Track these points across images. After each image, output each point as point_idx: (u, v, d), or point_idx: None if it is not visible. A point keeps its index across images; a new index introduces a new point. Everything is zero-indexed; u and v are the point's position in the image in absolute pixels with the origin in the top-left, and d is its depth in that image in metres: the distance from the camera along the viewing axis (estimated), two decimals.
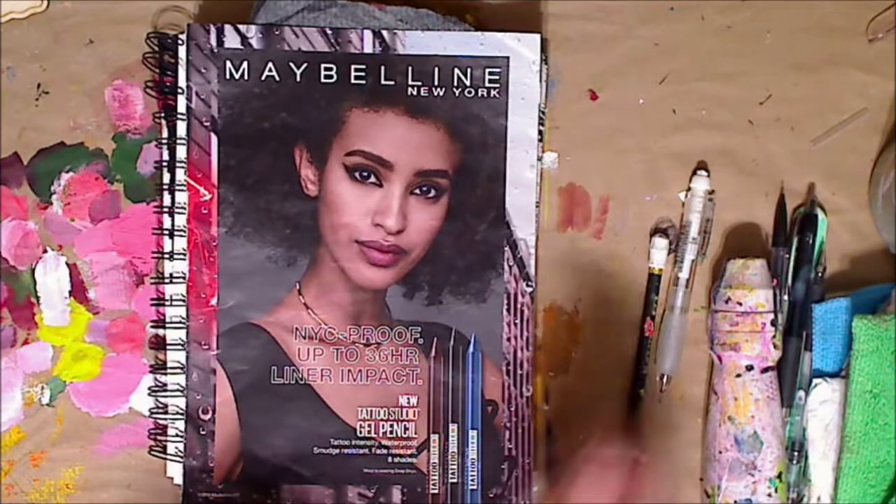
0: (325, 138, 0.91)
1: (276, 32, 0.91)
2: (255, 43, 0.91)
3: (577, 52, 0.95)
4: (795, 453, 0.92)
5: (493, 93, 0.92)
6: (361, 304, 0.92)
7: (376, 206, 0.91)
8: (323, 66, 0.91)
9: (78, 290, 0.94)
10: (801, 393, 0.92)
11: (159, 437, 0.92)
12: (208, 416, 0.91)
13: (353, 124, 0.91)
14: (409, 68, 0.91)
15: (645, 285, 0.93)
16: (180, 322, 0.92)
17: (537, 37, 0.91)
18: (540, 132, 0.92)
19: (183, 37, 0.91)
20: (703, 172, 0.93)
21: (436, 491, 0.92)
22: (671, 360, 0.93)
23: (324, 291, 0.92)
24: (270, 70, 0.91)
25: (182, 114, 0.91)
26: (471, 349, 0.92)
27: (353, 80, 0.91)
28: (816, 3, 0.95)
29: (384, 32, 0.91)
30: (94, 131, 0.94)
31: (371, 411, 0.92)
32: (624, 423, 0.93)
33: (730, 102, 0.94)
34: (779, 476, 0.90)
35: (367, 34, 0.91)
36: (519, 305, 0.92)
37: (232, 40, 0.91)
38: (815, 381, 0.92)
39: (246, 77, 0.91)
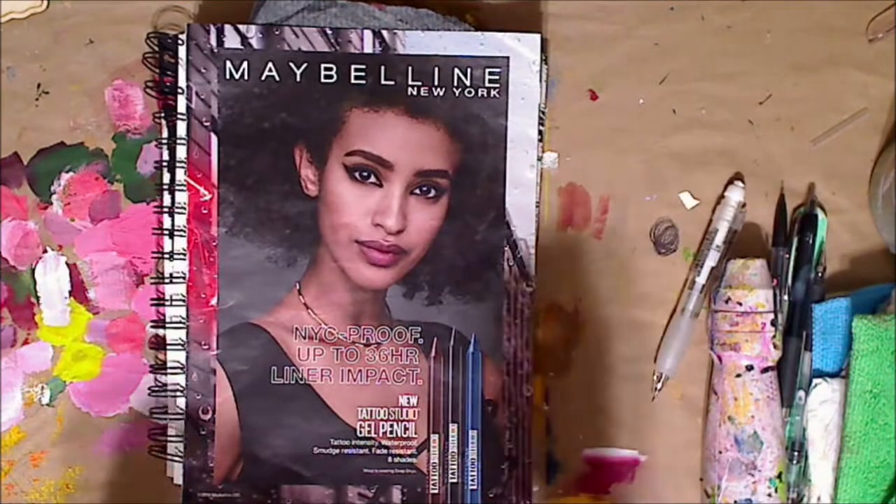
0: (325, 138, 0.91)
1: (276, 32, 0.91)
2: (255, 43, 0.91)
3: (577, 52, 0.95)
4: (795, 453, 0.92)
5: (493, 93, 0.92)
6: (361, 304, 0.92)
7: (376, 206, 0.91)
8: (323, 66, 0.91)
9: (78, 290, 0.94)
10: (801, 393, 0.92)
11: (159, 437, 0.92)
12: (208, 416, 0.91)
13: (353, 124, 0.91)
14: (409, 68, 0.91)
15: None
16: (180, 322, 0.92)
17: (537, 37, 0.91)
18: (540, 132, 0.92)
19: (183, 37, 0.91)
20: (739, 183, 0.93)
21: (436, 491, 0.92)
22: (672, 360, 0.93)
23: (324, 291, 0.92)
24: (270, 70, 0.91)
25: (182, 114, 0.91)
26: (471, 349, 0.92)
27: (353, 80, 0.91)
28: (816, 3, 0.95)
29: (384, 32, 0.91)
30: (94, 131, 0.94)
31: (371, 411, 0.92)
32: None
33: (730, 102, 0.94)
34: (779, 476, 0.90)
35: (367, 34, 0.91)
36: (519, 305, 0.92)
37: (232, 40, 0.91)
38: (815, 381, 0.92)
39: (246, 77, 0.91)
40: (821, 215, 0.93)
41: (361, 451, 0.92)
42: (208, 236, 0.92)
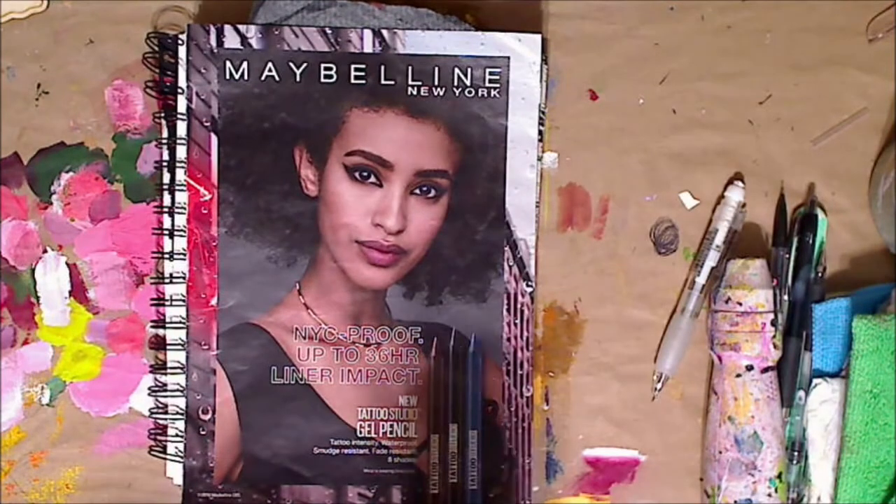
0: (325, 138, 0.91)
1: (276, 32, 0.91)
2: (254, 43, 0.91)
3: (577, 52, 0.95)
4: (795, 453, 0.92)
5: (493, 93, 0.92)
6: (361, 304, 0.92)
7: (376, 206, 0.91)
8: (323, 65, 0.91)
9: (78, 290, 0.94)
10: (801, 393, 0.92)
11: (159, 437, 0.92)
12: (208, 416, 0.91)
13: (353, 124, 0.91)
14: (409, 68, 0.91)
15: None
16: (180, 322, 0.92)
17: (538, 37, 0.91)
18: (540, 132, 0.92)
19: (183, 37, 0.91)
20: (739, 183, 0.93)
21: (436, 491, 0.92)
22: (672, 360, 0.93)
23: (324, 291, 0.92)
24: (270, 70, 0.91)
25: (182, 114, 0.91)
26: (471, 349, 0.92)
27: (352, 80, 0.91)
28: (816, 3, 0.95)
29: (384, 32, 0.91)
30: (94, 131, 0.94)
31: (371, 411, 0.92)
32: None
33: (730, 102, 0.94)
34: (779, 476, 0.90)
35: (367, 34, 0.91)
36: (519, 305, 0.92)
37: (232, 40, 0.91)
38: (815, 381, 0.92)
39: (246, 77, 0.91)
40: (821, 215, 0.93)
41: (361, 451, 0.92)
42: (208, 236, 0.92)
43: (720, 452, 0.90)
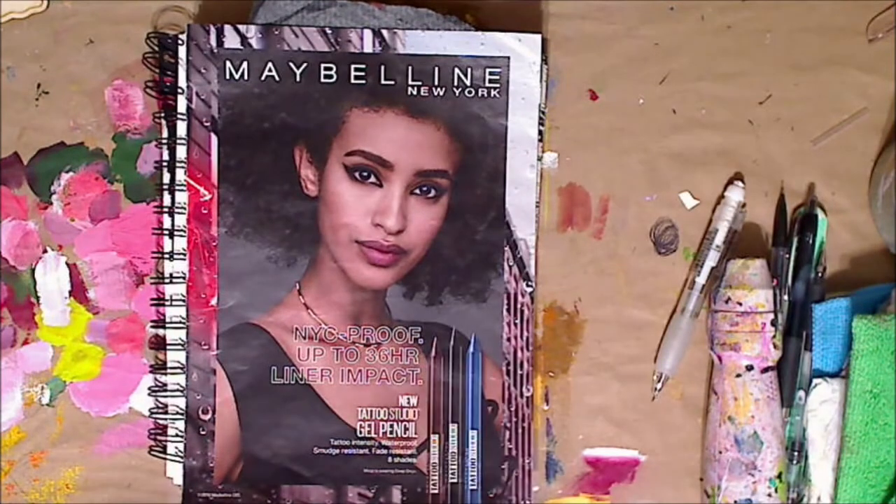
0: (325, 138, 0.91)
1: (276, 32, 0.91)
2: (254, 43, 0.91)
3: (577, 52, 0.95)
4: (795, 453, 0.92)
5: (493, 93, 0.92)
6: (361, 304, 0.92)
7: (376, 206, 0.91)
8: (323, 65, 0.91)
9: (78, 290, 0.94)
10: (801, 393, 0.92)
11: (159, 437, 0.92)
12: (208, 416, 0.91)
13: (353, 124, 0.91)
14: (409, 68, 0.91)
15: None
16: (180, 322, 0.92)
17: (538, 37, 0.91)
18: (540, 132, 0.92)
19: (183, 37, 0.91)
20: (739, 183, 0.93)
21: (436, 491, 0.92)
22: (672, 360, 0.93)
23: (324, 291, 0.92)
24: (270, 70, 0.91)
25: (182, 114, 0.91)
26: (471, 349, 0.92)
27: (352, 80, 0.91)
28: (816, 3, 0.95)
29: (384, 32, 0.91)
30: (94, 131, 0.94)
31: (371, 411, 0.92)
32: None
33: (730, 102, 0.94)
34: (779, 476, 0.90)
35: (367, 34, 0.91)
36: (519, 305, 0.92)
37: (232, 40, 0.91)
38: (815, 381, 0.92)
39: (246, 77, 0.91)
40: (821, 215, 0.93)
41: (361, 451, 0.92)
42: (208, 236, 0.92)
43: (720, 452, 0.90)
